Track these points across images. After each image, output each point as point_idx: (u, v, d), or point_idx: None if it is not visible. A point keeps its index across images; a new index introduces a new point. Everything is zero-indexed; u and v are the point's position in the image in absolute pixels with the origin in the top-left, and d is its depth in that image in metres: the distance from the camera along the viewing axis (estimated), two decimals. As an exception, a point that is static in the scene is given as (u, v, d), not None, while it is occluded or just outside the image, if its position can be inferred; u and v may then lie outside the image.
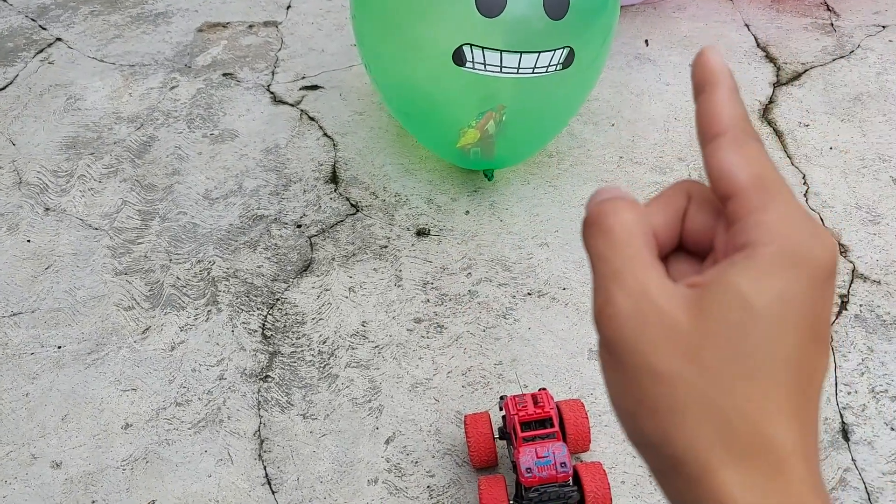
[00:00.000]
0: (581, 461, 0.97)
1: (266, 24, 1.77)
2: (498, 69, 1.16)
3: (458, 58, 1.15)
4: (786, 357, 0.27)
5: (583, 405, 0.98)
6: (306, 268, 1.26)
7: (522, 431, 0.91)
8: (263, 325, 1.17)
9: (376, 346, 1.14)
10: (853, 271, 1.22)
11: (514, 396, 0.94)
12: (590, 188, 1.36)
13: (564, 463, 0.89)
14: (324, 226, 1.32)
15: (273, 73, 1.64)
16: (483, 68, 1.16)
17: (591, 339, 1.13)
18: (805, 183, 1.36)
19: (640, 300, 0.28)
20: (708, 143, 0.30)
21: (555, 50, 1.16)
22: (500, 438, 0.98)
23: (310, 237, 1.31)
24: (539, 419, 0.92)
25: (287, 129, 1.51)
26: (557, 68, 1.18)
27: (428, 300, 1.20)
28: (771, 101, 1.52)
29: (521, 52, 1.15)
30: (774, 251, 0.27)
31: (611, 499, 0.91)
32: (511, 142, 1.30)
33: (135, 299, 1.21)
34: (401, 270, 1.25)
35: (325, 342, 1.15)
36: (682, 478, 0.27)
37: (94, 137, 1.50)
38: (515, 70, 1.16)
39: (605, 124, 1.49)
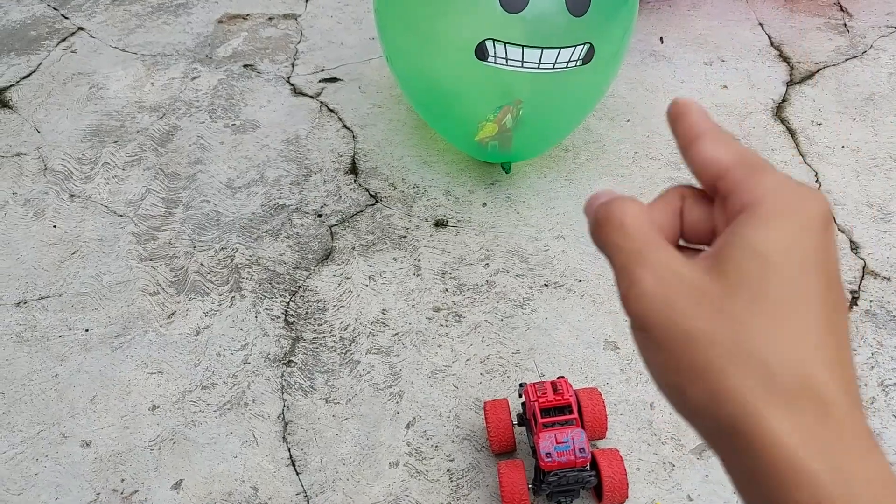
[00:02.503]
0: (598, 448, 0.99)
1: (286, 16, 1.80)
2: (519, 64, 1.19)
3: (481, 52, 1.17)
4: (808, 297, 0.28)
5: (600, 393, 1.01)
6: (327, 256, 1.28)
7: (542, 417, 0.93)
8: (286, 311, 1.20)
9: (396, 334, 1.16)
10: (864, 268, 1.24)
11: (534, 384, 0.97)
12: (605, 183, 1.38)
13: (583, 448, 0.91)
14: (344, 216, 1.35)
15: (293, 65, 1.66)
16: (504, 63, 1.19)
17: (606, 330, 1.16)
18: (817, 181, 1.38)
19: (662, 274, 0.29)
20: (688, 148, 0.33)
21: (575, 46, 1.19)
22: (519, 425, 1.00)
23: (330, 226, 1.33)
24: (558, 406, 0.95)
25: (307, 120, 1.53)
26: (577, 64, 1.20)
27: (446, 290, 1.22)
28: (784, 100, 1.54)
29: (543, 48, 1.17)
30: (770, 206, 0.29)
31: (627, 484, 0.94)
32: (529, 135, 1.32)
33: (160, 285, 1.24)
34: (420, 260, 1.27)
35: (346, 329, 1.17)
36: (737, 437, 0.28)
37: (117, 126, 1.53)
38: (536, 65, 1.19)
39: (620, 120, 1.51)
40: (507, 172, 1.36)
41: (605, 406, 1.00)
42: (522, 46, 1.17)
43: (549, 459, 0.91)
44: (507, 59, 1.19)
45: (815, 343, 0.28)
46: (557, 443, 0.91)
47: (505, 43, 1.17)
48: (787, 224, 0.29)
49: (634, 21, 1.29)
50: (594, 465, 0.94)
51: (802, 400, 0.28)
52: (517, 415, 1.01)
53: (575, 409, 0.95)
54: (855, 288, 1.21)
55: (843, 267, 1.23)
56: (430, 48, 1.24)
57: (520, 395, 1.00)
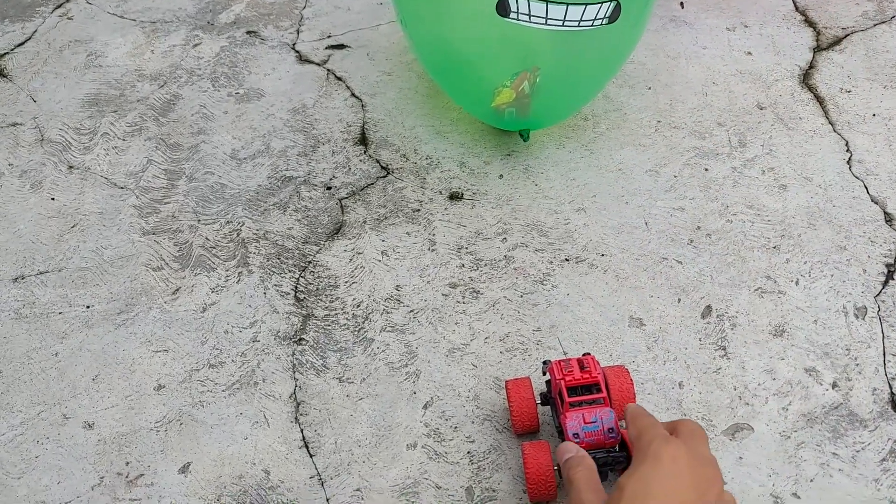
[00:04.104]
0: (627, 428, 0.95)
1: (290, -19, 1.73)
2: (543, 21, 1.13)
3: (502, 8, 1.11)
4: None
5: (627, 371, 0.96)
6: (337, 230, 1.23)
7: (569, 396, 0.88)
8: (296, 287, 1.15)
9: (411, 311, 1.11)
10: (899, 241, 1.19)
11: (560, 361, 0.92)
12: (627, 153, 1.32)
13: (612, 429, 0.87)
14: (354, 188, 1.29)
15: (298, 31, 1.60)
16: (528, 19, 1.13)
17: (631, 307, 1.11)
18: (848, 150, 1.32)
19: None
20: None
21: (602, 3, 1.13)
22: (543, 404, 0.95)
23: (340, 199, 1.28)
24: (586, 384, 0.89)
25: (314, 89, 1.47)
26: (603, 22, 1.14)
27: (463, 265, 1.17)
28: (811, 67, 1.48)
29: (568, 4, 1.11)
30: (636, 461, 0.70)
31: None
32: (548, 102, 1.27)
33: (164, 260, 1.19)
34: (434, 235, 1.22)
35: (359, 306, 1.12)
36: None
37: (116, 95, 1.47)
38: (560, 23, 1.13)
39: (641, 87, 1.45)
40: (525, 140, 1.30)
41: (633, 384, 0.95)
42: (546, 2, 1.11)
43: (577, 440, 0.86)
44: (529, 15, 1.13)
45: None
46: (585, 423, 0.87)
47: None
48: (642, 467, 0.68)
49: None
50: (623, 445, 0.89)
51: None
52: (541, 394, 0.96)
53: (603, 387, 0.90)
54: (891, 261, 1.15)
55: (877, 240, 1.17)
56: (447, 6, 1.18)
57: (544, 373, 0.95)
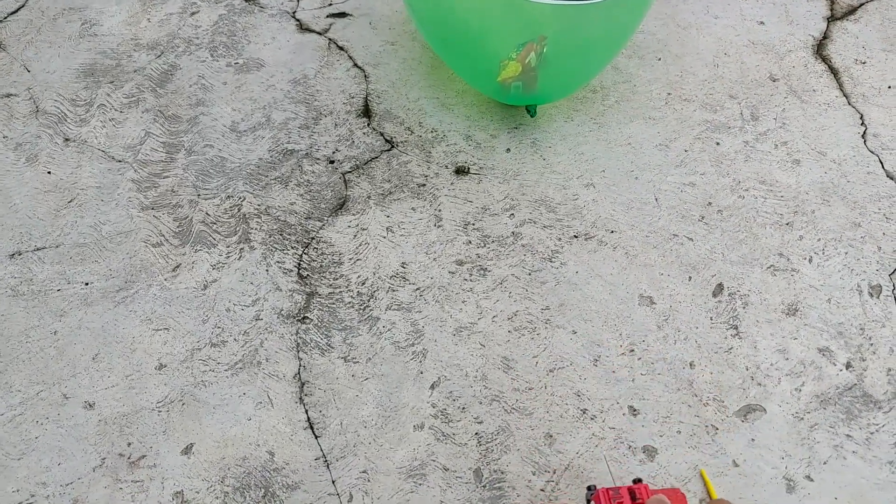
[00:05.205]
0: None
1: (290, -53, 1.68)
2: None
3: None
4: None
5: (684, 496, 0.83)
6: (341, 206, 1.20)
7: None
8: (299, 264, 1.12)
9: (417, 289, 1.09)
10: (914, 217, 1.16)
11: (608, 489, 0.80)
12: (636, 127, 1.29)
13: None
14: (358, 162, 1.26)
15: (299, -1, 1.55)
16: None
17: (641, 285, 1.08)
18: (863, 123, 1.29)
19: None
20: None
21: None
22: None
23: (343, 174, 1.25)
24: None
25: (315, 58, 1.43)
26: None
27: (469, 242, 1.15)
28: (825, 37, 1.44)
29: None
30: None
31: None
32: (555, 75, 1.23)
33: (163, 235, 1.16)
34: (440, 210, 1.19)
35: (363, 283, 1.10)
36: None
37: (112, 65, 1.43)
38: None
39: (651, 58, 1.41)
40: (532, 116, 1.27)
41: None
42: None
43: None
44: None
45: None
46: None
47: None
48: None
49: None
50: None
51: None
52: None
53: None
54: (905, 239, 1.13)
55: (893, 217, 1.15)
56: None
57: (588, 502, 0.82)
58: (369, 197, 1.21)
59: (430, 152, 1.27)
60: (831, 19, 1.48)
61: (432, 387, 0.98)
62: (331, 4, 1.54)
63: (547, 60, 1.19)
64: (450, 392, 0.98)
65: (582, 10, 1.11)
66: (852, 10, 1.50)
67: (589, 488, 0.80)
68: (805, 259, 1.11)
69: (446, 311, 1.06)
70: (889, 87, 1.34)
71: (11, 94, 1.38)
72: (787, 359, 1.00)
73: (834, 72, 1.38)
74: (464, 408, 0.96)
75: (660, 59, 1.41)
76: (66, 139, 1.30)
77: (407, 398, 0.97)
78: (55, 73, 1.42)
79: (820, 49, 1.42)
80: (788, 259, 1.11)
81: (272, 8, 1.53)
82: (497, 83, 1.23)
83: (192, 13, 1.53)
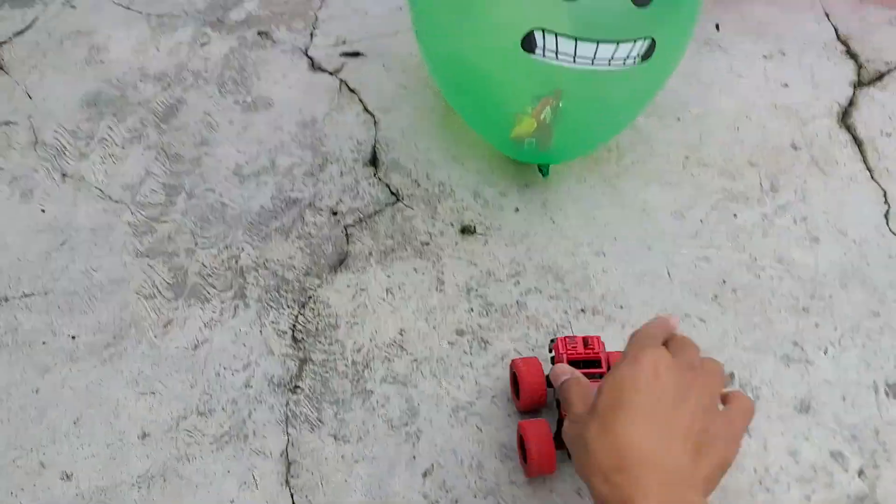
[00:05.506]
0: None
1: (306, -23, 1.64)
2: (571, 59, 1.04)
3: (528, 43, 1.03)
4: (644, 404, 0.65)
5: None
6: (341, 262, 1.16)
7: None
8: (294, 325, 1.08)
9: (415, 360, 1.05)
10: (936, 308, 1.11)
11: (565, 338, 0.95)
12: (652, 191, 1.25)
13: None
14: (361, 214, 1.22)
15: (312, 34, 1.51)
16: (554, 57, 1.04)
17: (648, 369, 1.04)
18: (886, 202, 1.24)
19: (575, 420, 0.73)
20: None
21: (636, 40, 1.04)
22: (548, 386, 0.96)
23: (346, 227, 1.21)
24: (587, 360, 0.93)
25: (325, 100, 1.39)
26: (636, 61, 1.06)
27: (472, 309, 1.11)
28: (851, 104, 1.40)
29: (599, 41, 1.03)
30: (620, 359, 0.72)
31: None
32: (570, 134, 1.19)
33: (157, 287, 1.12)
34: (443, 272, 1.15)
35: (359, 351, 1.06)
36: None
37: (117, 96, 1.39)
38: (590, 61, 1.04)
39: (670, 118, 1.37)
40: (544, 176, 1.23)
41: None
42: (576, 39, 1.03)
43: None
44: (556, 52, 1.05)
45: (647, 431, 0.64)
46: None
47: (556, 34, 1.03)
48: (616, 373, 0.69)
49: (699, 12, 1.15)
50: None
51: (615, 474, 0.62)
52: (547, 376, 0.97)
53: (605, 365, 0.93)
54: (926, 332, 1.08)
55: (914, 307, 1.10)
56: (470, 32, 1.09)
57: (550, 351, 0.97)
58: (371, 254, 1.17)
59: (436, 208, 1.23)
60: (858, 85, 1.43)
61: (425, 474, 0.94)
62: (345, 42, 1.50)
63: (563, 118, 1.14)
64: (443, 481, 0.94)
65: (603, 74, 1.06)
66: (880, 77, 1.45)
67: (552, 340, 0.97)
68: (820, 350, 1.06)
69: (443, 388, 1.02)
70: (916, 164, 1.29)
71: (11, 122, 1.34)
72: (798, 462, 0.96)
73: (858, 142, 1.33)
74: (457, 501, 0.92)
75: (679, 119, 1.37)
76: (64, 174, 1.27)
77: (398, 486, 0.93)
78: (58, 101, 1.38)
79: (845, 117, 1.38)
80: (803, 349, 1.06)
81: (285, 43, 1.50)
82: (510, 138, 1.19)
83: (203, 44, 1.49)
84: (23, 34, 1.51)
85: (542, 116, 1.15)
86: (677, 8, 1.09)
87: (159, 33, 1.51)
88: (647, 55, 1.07)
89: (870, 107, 1.40)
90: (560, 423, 0.94)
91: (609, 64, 1.05)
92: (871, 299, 1.12)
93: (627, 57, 1.06)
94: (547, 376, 0.96)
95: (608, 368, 0.95)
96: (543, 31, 1.02)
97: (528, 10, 1.02)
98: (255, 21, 1.54)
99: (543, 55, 1.04)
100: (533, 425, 0.92)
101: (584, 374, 0.90)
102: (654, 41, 1.06)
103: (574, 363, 0.93)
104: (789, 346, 1.07)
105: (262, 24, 1.53)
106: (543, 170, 1.23)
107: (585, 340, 0.95)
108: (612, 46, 1.04)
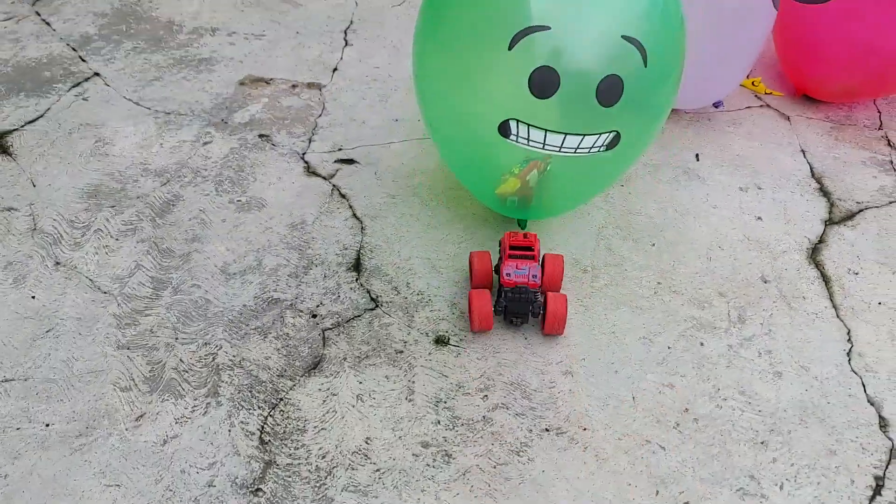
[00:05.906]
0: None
1: (310, 85, 1.73)
2: (540, 146, 1.15)
3: (504, 130, 1.15)
4: None
5: (562, 258, 1.28)
6: (316, 365, 1.19)
7: (510, 251, 1.24)
8: (262, 427, 1.11)
9: (378, 470, 1.07)
10: (891, 450, 1.14)
11: (511, 233, 1.26)
12: (622, 315, 1.29)
13: (536, 275, 1.22)
14: (340, 319, 1.26)
15: (310, 140, 1.59)
16: (526, 143, 1.16)
17: (606, 494, 1.06)
18: (849, 340, 1.28)
19: None
20: None
21: (600, 134, 1.13)
22: (496, 272, 1.27)
23: (324, 330, 1.24)
24: (524, 246, 1.25)
25: (316, 204, 1.45)
26: (601, 150, 1.16)
27: (439, 422, 1.13)
28: (821, 241, 1.45)
29: (566, 133, 1.12)
30: None
31: (565, 319, 1.21)
32: (549, 197, 1.32)
33: (133, 380, 1.15)
34: (414, 382, 1.18)
35: (324, 457, 1.08)
36: None
37: (117, 188, 1.45)
38: (558, 149, 1.16)
39: (645, 242, 1.43)
40: (522, 229, 1.34)
41: (563, 267, 1.27)
42: (546, 130, 1.12)
43: (509, 278, 1.21)
44: (528, 139, 1.15)
45: None
46: (517, 268, 1.22)
47: (528, 125, 1.11)
48: None
49: (669, 108, 1.24)
50: (544, 306, 1.23)
51: None
52: (495, 266, 1.28)
53: (537, 255, 1.24)
54: (880, 473, 1.11)
55: (869, 447, 1.13)
56: (461, 118, 1.22)
57: (499, 245, 1.29)
58: (345, 358, 1.21)
59: (413, 316, 1.27)
60: (829, 222, 1.50)
61: (376, 589, 0.95)
62: (341, 149, 1.57)
63: (540, 186, 1.25)
64: None
65: (572, 157, 1.15)
66: (851, 216, 1.51)
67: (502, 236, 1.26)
68: (776, 485, 1.08)
69: (403, 500, 1.04)
70: (879, 304, 1.34)
71: (13, 209, 1.40)
72: None
73: (826, 279, 1.38)
74: None
75: (653, 245, 1.42)
76: (57, 262, 1.31)
77: None
78: (60, 190, 1.44)
79: (815, 253, 1.43)
80: (759, 483, 1.08)
81: (284, 146, 1.57)
82: (495, 194, 1.30)
83: (205, 143, 1.57)
84: (34, 123, 1.58)
85: (528, 178, 1.24)
86: (643, 108, 1.18)
87: (165, 130, 1.59)
88: (611, 145, 1.15)
89: (839, 245, 1.45)
90: (500, 294, 1.23)
91: (575, 152, 1.15)
92: (829, 438, 1.14)
93: (593, 146, 1.15)
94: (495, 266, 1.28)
95: (542, 265, 1.26)
96: (518, 122, 1.11)
97: (505, 103, 1.13)
98: (257, 124, 1.62)
99: (517, 140, 1.13)
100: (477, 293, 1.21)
101: (520, 255, 1.23)
102: (618, 134, 1.14)
103: (514, 247, 1.23)
104: (745, 480, 1.09)
105: (263, 127, 1.61)
106: (522, 223, 1.35)
107: (525, 234, 1.26)
108: (577, 138, 1.14)
